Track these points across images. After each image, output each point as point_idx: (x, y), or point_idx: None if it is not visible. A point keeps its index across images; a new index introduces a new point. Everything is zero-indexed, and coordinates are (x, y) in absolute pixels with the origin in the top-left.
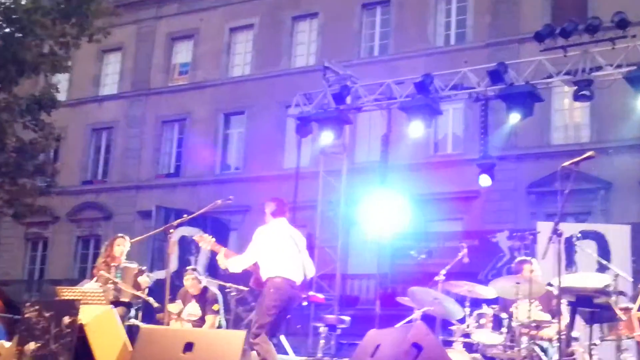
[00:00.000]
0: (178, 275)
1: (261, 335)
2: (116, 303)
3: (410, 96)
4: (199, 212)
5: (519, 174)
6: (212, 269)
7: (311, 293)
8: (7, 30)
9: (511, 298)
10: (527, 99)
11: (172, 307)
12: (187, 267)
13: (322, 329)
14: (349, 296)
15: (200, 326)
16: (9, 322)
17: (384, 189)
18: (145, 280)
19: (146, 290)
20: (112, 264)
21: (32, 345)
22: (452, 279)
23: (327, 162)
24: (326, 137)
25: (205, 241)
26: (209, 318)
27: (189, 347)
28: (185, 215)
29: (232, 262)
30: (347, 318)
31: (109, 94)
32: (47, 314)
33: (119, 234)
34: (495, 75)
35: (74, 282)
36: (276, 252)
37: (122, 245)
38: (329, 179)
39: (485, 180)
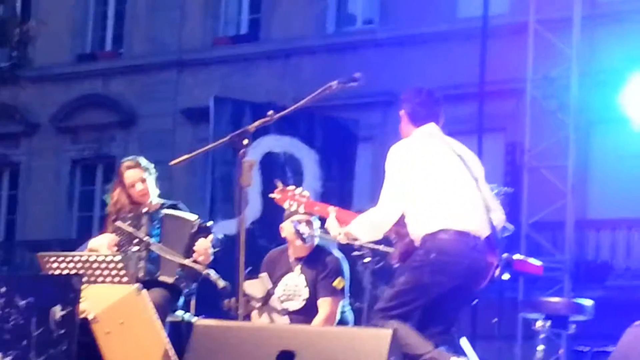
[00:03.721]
0: (263, 224)
1: (390, 320)
2: (150, 282)
3: None
4: (296, 106)
5: None
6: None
7: (517, 257)
8: None
9: None
10: None
11: (253, 288)
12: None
13: (540, 325)
14: (592, 262)
15: (307, 319)
16: None
17: None
18: (207, 246)
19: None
20: (143, 211)
21: None
22: None
23: (543, 3)
24: None
25: (291, 197)
26: (325, 303)
27: (285, 359)
28: (270, 113)
29: (359, 227)
30: (587, 303)
31: None
32: (21, 303)
33: (125, 160)
34: None
35: (70, 245)
36: (434, 187)
37: (138, 179)
38: (547, 35)
39: None
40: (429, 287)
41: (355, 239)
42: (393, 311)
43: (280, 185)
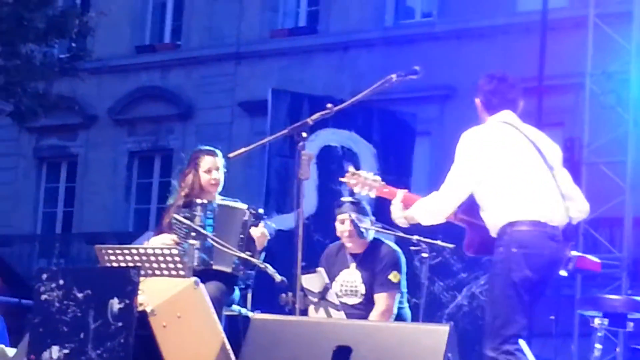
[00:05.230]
0: (318, 219)
1: (512, 344)
2: (206, 274)
3: None
4: (355, 99)
5: None
6: (385, 210)
7: (575, 253)
8: None
9: None
10: None
11: (309, 282)
12: (342, 200)
13: (597, 322)
14: None
15: (365, 314)
16: (11, 311)
17: None
18: (263, 233)
19: (262, 253)
20: (198, 202)
21: (54, 352)
22: None
23: None
24: None
25: (363, 182)
26: (380, 298)
27: (342, 355)
28: (329, 106)
29: (419, 210)
30: None
31: None
32: (80, 295)
33: (203, 147)
34: None
35: (127, 237)
36: (510, 175)
37: (216, 166)
38: (607, 29)
39: None
40: (519, 285)
41: (421, 221)
42: (508, 330)
43: (352, 169)
